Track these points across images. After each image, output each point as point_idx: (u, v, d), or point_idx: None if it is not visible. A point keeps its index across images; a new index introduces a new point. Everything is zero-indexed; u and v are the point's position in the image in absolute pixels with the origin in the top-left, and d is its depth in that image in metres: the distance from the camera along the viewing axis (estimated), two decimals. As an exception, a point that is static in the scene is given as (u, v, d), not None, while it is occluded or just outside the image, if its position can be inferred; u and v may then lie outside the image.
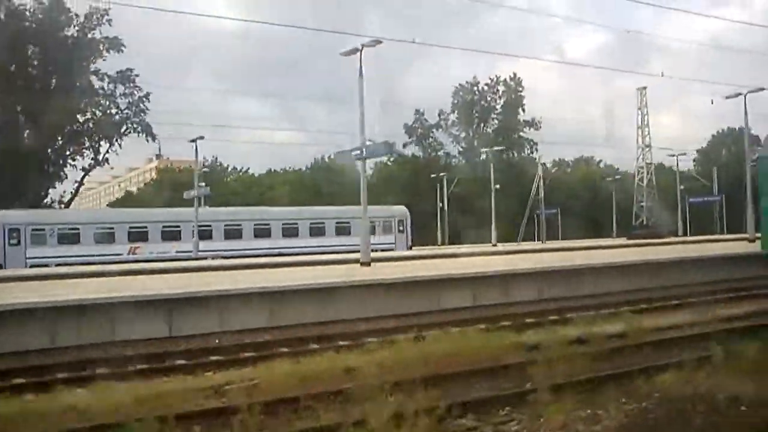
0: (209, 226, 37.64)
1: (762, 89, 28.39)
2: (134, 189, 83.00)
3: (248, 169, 74.76)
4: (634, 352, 10.27)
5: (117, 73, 56.61)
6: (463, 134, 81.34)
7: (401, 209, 44.29)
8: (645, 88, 66.53)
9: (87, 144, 57.12)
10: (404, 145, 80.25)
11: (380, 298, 15.46)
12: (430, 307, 15.73)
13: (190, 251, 35.88)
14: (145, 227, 36.36)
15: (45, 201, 55.08)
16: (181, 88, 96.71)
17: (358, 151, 20.45)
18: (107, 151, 57.03)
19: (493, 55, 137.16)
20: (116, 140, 57.07)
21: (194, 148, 36.56)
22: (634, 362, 9.54)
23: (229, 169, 74.95)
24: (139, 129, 57.50)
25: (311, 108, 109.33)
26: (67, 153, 56.96)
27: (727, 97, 31.05)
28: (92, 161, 57.38)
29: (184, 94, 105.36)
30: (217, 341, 12.54)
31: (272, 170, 75.05)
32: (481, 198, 72.46)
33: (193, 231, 36.03)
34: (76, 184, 58.09)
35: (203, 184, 39.55)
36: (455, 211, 62.22)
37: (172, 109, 78.89)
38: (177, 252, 36.01)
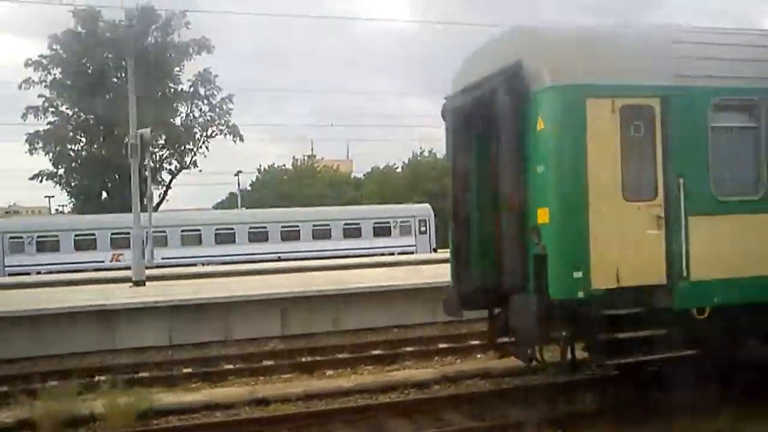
0: (198, 230, 36.02)
1: None
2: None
3: (338, 166, 72.82)
4: None
5: (196, 74, 56.69)
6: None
7: (423, 208, 39.43)
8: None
9: (178, 147, 58.43)
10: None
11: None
12: (106, 346, 12.25)
13: (177, 257, 34.57)
14: (128, 233, 35.16)
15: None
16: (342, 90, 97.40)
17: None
18: (194, 154, 57.82)
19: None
20: (203, 143, 57.72)
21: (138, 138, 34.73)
22: None
23: (318, 168, 73.43)
24: (226, 131, 57.87)
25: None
26: (163, 157, 58.78)
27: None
28: (177, 164, 58.60)
29: (343, 95, 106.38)
30: None
31: (373, 169, 72.41)
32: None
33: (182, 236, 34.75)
34: (164, 188, 59.42)
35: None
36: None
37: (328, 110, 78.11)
38: (163, 258, 34.73)
